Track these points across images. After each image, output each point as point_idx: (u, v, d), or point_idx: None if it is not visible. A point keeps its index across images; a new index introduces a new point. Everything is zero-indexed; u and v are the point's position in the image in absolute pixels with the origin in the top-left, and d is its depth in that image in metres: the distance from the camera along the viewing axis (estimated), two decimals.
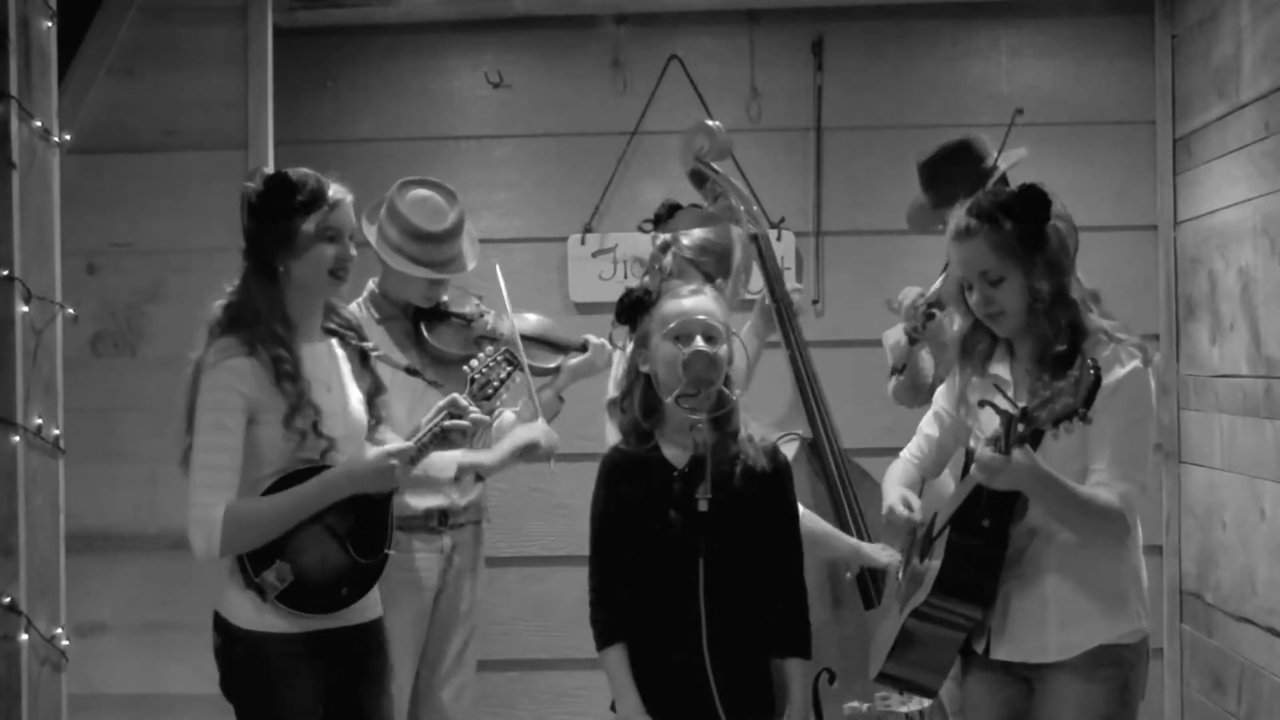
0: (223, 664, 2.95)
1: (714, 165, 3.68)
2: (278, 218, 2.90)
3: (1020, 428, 2.57)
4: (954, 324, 3.07)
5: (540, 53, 4.63)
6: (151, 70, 4.04)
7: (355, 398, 3.05)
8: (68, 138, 3.51)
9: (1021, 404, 2.57)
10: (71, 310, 3.47)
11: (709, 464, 2.73)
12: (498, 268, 3.70)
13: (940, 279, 3.69)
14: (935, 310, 3.63)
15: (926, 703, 3.14)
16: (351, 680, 2.99)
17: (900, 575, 3.06)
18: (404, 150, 4.54)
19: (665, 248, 3.37)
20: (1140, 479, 2.78)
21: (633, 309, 2.89)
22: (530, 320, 3.79)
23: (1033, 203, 2.79)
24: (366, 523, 2.96)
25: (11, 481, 3.27)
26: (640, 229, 3.62)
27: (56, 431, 3.38)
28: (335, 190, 2.95)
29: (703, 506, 2.72)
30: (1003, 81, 4.56)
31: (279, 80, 4.10)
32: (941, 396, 3.10)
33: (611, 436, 3.05)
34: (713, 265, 3.38)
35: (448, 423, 3.02)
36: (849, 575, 3.48)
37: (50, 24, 3.41)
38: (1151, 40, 4.48)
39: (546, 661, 4.56)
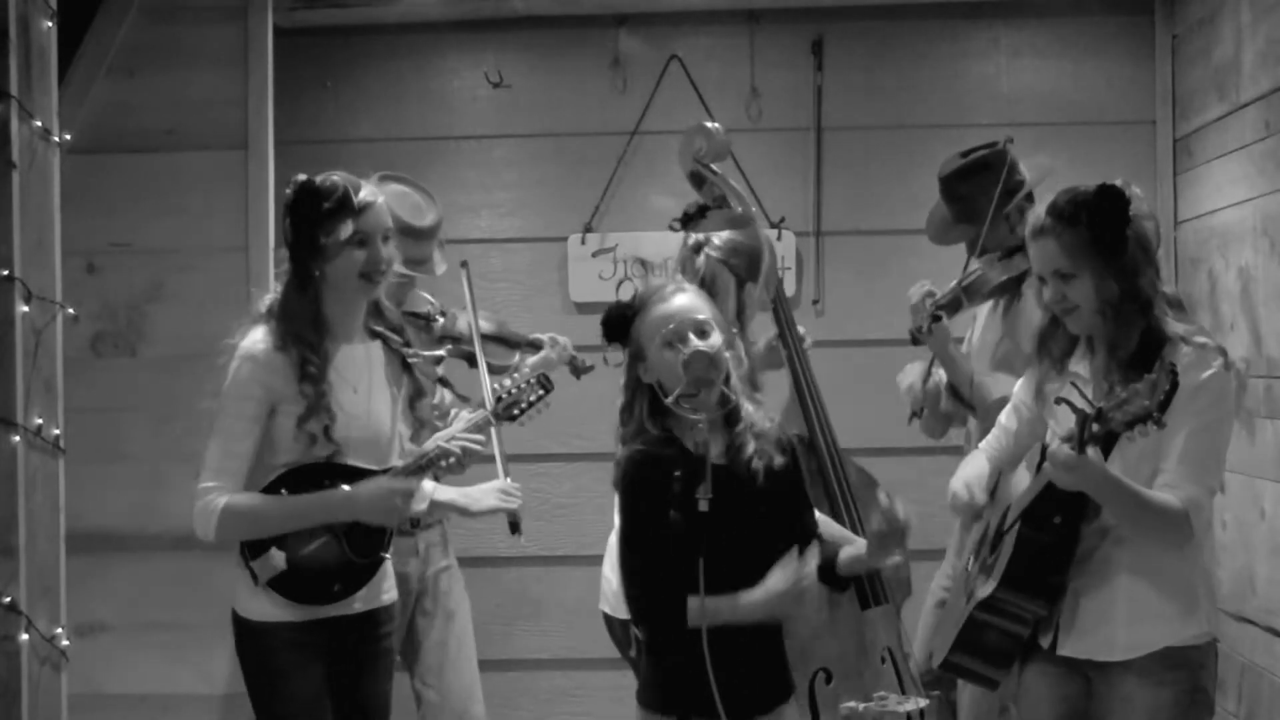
0: (239, 656, 3.04)
1: (713, 166, 3.68)
2: (307, 225, 2.96)
3: (1094, 428, 2.56)
4: (1035, 315, 3.05)
5: (540, 53, 4.63)
6: (151, 70, 4.04)
7: (383, 401, 3.07)
8: (68, 138, 3.50)
9: (1098, 404, 2.56)
10: (71, 310, 3.47)
11: (709, 464, 2.70)
12: (464, 267, 3.63)
13: (955, 283, 3.67)
14: (943, 314, 3.61)
15: (924, 702, 3.13)
16: (355, 666, 3.04)
17: (970, 565, 3.06)
18: (404, 150, 4.54)
19: (698, 248, 3.34)
20: (1209, 482, 2.78)
21: (619, 324, 2.82)
22: (488, 319, 3.78)
23: (1109, 205, 2.78)
24: (367, 524, 3.00)
25: (11, 481, 3.27)
26: (671, 227, 3.61)
27: (56, 431, 3.38)
28: (365, 194, 3.00)
29: (703, 507, 2.66)
30: (1002, 81, 4.56)
31: (279, 80, 4.10)
32: (1021, 389, 3.09)
33: None
34: (744, 267, 3.36)
35: (432, 449, 3.02)
36: None
37: (50, 24, 3.40)
38: (1151, 40, 4.48)
39: (546, 661, 4.55)
